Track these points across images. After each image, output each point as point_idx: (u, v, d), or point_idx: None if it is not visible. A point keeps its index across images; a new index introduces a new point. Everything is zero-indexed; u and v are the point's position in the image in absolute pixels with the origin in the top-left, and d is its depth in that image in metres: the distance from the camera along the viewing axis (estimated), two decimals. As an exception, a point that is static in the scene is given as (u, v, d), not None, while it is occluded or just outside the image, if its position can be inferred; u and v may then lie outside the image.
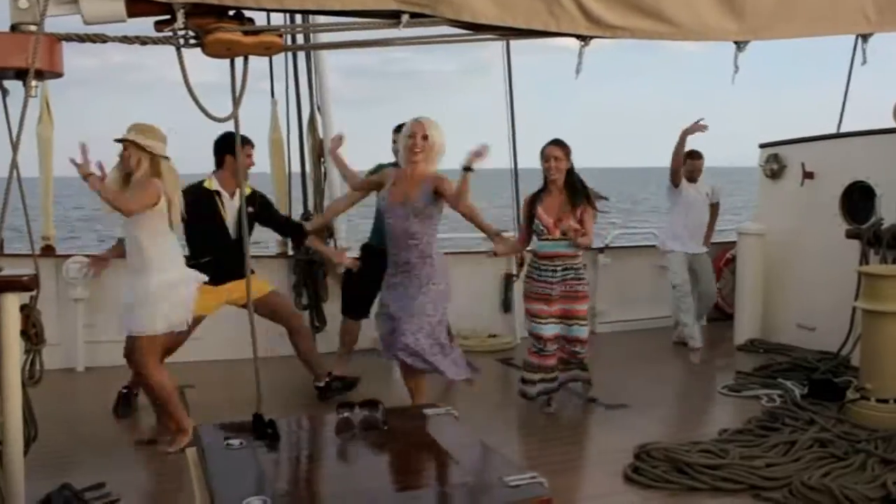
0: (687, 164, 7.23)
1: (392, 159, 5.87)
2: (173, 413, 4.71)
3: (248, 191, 5.31)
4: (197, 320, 5.00)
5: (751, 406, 5.55)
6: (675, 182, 7.29)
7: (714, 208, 7.56)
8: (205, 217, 5.23)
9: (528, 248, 5.75)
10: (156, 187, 4.49)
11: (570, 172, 5.37)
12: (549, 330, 5.40)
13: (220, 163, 5.39)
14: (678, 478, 4.17)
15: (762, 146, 7.86)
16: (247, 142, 5.42)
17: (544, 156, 5.39)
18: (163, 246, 4.62)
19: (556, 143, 5.43)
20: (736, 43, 4.03)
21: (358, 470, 2.42)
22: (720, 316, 8.40)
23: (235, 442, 2.55)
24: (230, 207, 5.36)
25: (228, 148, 5.22)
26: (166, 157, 4.60)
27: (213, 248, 5.27)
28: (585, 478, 4.30)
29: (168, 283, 4.60)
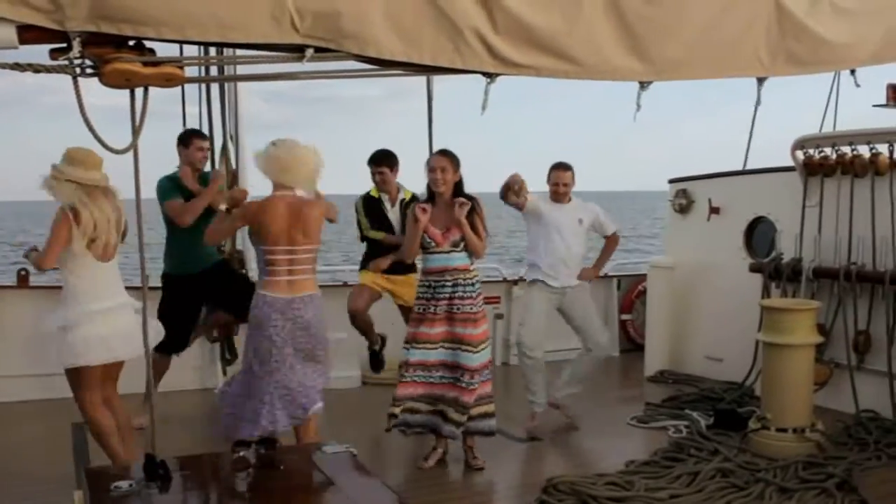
0: (551, 177, 5.97)
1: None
2: (111, 454, 4.43)
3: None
4: None
5: (658, 437, 5.65)
6: (507, 201, 5.89)
7: (611, 241, 6.24)
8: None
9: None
10: (63, 228, 4.28)
11: (459, 185, 5.16)
12: (433, 356, 5.01)
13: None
14: (584, 511, 4.20)
15: (671, 181, 8.08)
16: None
17: (430, 166, 5.17)
18: (91, 279, 4.38)
19: (443, 153, 5.22)
20: (640, 83, 4.15)
21: (249, 511, 2.37)
22: (632, 347, 8.56)
23: (124, 485, 2.47)
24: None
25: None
26: (94, 185, 4.34)
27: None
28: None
29: (100, 311, 4.35)
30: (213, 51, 5.33)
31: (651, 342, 7.72)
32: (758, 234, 7.18)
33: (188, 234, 5.58)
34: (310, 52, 3.32)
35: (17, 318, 6.21)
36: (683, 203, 7.83)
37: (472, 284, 5.11)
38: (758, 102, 5.25)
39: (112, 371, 4.51)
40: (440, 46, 3.58)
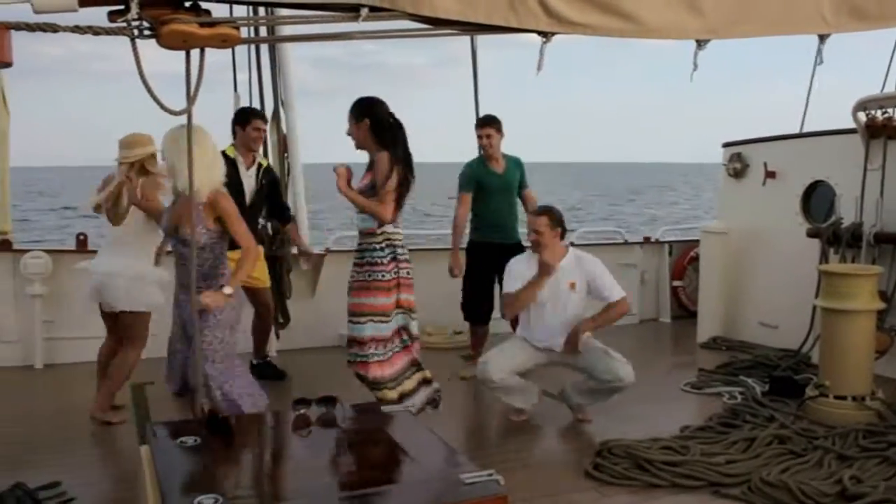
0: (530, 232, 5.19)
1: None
2: (115, 391, 4.96)
3: (264, 163, 5.89)
4: None
5: (713, 403, 5.59)
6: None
7: (616, 307, 5.23)
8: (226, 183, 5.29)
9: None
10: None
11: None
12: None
13: (233, 134, 5.78)
14: (639, 474, 4.19)
15: (725, 145, 7.93)
16: (257, 115, 5.85)
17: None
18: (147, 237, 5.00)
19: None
20: (696, 41, 4.05)
21: (313, 467, 2.39)
22: (683, 314, 8.47)
23: (189, 440, 2.51)
24: (246, 176, 5.67)
25: (238, 120, 5.75)
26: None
27: None
28: (546, 475, 4.30)
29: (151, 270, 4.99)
30: (262, 12, 5.36)
31: (704, 308, 7.63)
32: (816, 198, 7.01)
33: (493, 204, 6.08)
34: (364, 11, 3.29)
35: (77, 281, 6.35)
36: (738, 167, 7.68)
37: (362, 252, 4.74)
38: (818, 61, 5.11)
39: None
40: (495, 4, 3.53)
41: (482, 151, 6.27)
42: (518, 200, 6.41)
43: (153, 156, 4.90)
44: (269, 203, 5.99)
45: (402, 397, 4.69)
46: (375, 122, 4.69)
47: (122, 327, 5.03)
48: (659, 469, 4.19)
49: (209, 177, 4.03)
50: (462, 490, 2.18)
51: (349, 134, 4.80)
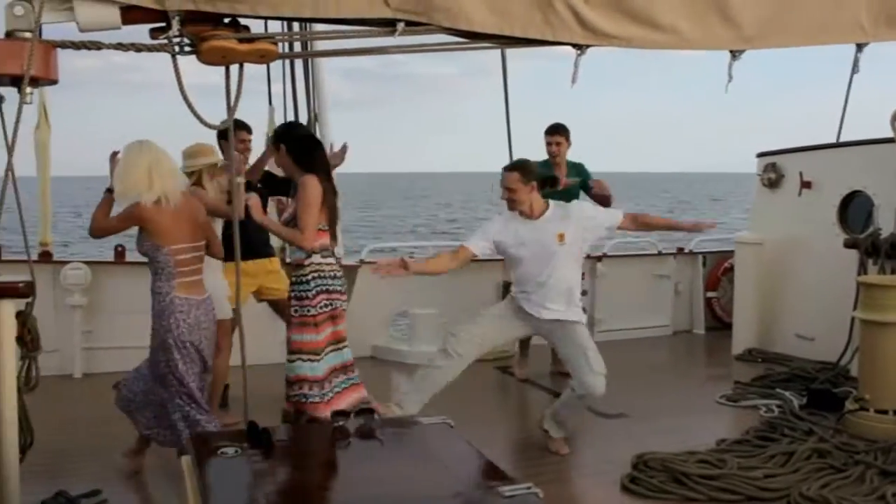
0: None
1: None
2: (217, 398, 5.24)
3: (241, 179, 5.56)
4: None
5: (749, 416, 5.53)
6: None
7: (633, 217, 5.04)
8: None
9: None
10: None
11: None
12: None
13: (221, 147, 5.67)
14: (675, 488, 4.16)
15: (760, 155, 7.86)
16: (242, 127, 5.66)
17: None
18: None
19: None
20: (731, 52, 4.04)
21: (352, 479, 2.40)
22: (717, 325, 8.40)
23: (230, 450, 2.53)
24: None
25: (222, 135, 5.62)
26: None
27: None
28: (582, 488, 4.29)
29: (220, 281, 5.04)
30: (296, 27, 5.43)
31: (739, 320, 7.55)
32: (853, 208, 6.92)
33: None
34: (401, 25, 3.34)
35: (115, 292, 6.46)
36: (773, 177, 7.61)
37: (295, 283, 4.54)
38: (855, 70, 5.07)
39: None
40: (530, 18, 3.56)
41: (549, 159, 6.30)
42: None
43: (215, 165, 5.09)
44: (281, 191, 5.85)
45: None
46: (292, 146, 4.53)
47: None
48: (696, 483, 4.15)
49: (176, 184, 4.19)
50: (501, 503, 2.18)
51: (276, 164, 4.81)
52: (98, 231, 4.27)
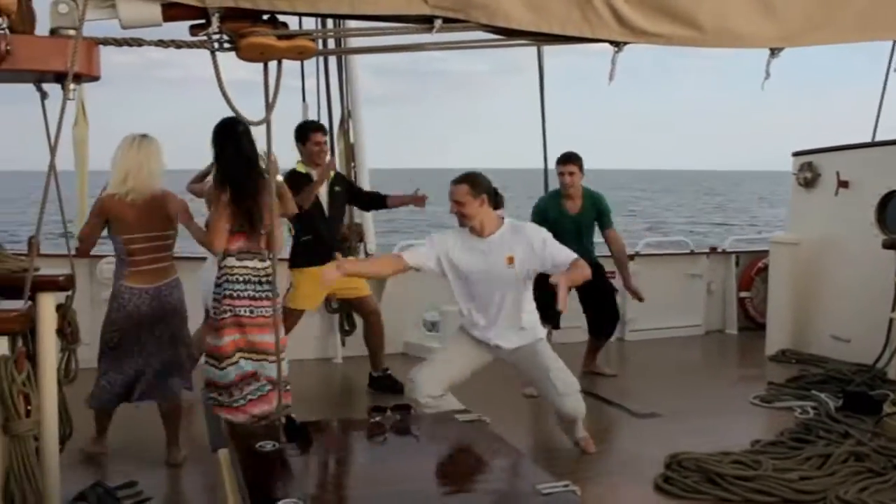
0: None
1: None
2: None
3: (331, 175, 5.93)
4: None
5: (783, 417, 5.46)
6: None
7: (577, 264, 4.37)
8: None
9: None
10: None
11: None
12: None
13: (300, 151, 5.84)
14: (710, 488, 4.12)
15: (796, 154, 7.76)
16: (315, 128, 5.87)
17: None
18: None
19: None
20: (770, 49, 3.98)
21: (390, 474, 2.41)
22: (750, 325, 8.32)
23: (268, 444, 2.55)
24: (322, 189, 5.75)
25: (298, 136, 5.82)
26: None
27: (313, 226, 5.69)
28: (615, 487, 4.26)
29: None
30: (329, 23, 5.45)
31: (773, 320, 7.47)
32: (892, 208, 6.81)
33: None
34: (438, 22, 3.32)
35: None
36: (809, 177, 7.50)
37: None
38: (892, 67, 4.98)
39: None
40: (568, 15, 3.53)
41: (562, 189, 6.18)
42: (593, 241, 6.32)
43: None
44: (358, 203, 6.17)
45: None
46: (215, 145, 4.40)
47: None
48: (730, 484, 4.11)
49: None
50: (538, 501, 2.18)
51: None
52: (83, 244, 4.54)
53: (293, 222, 5.69)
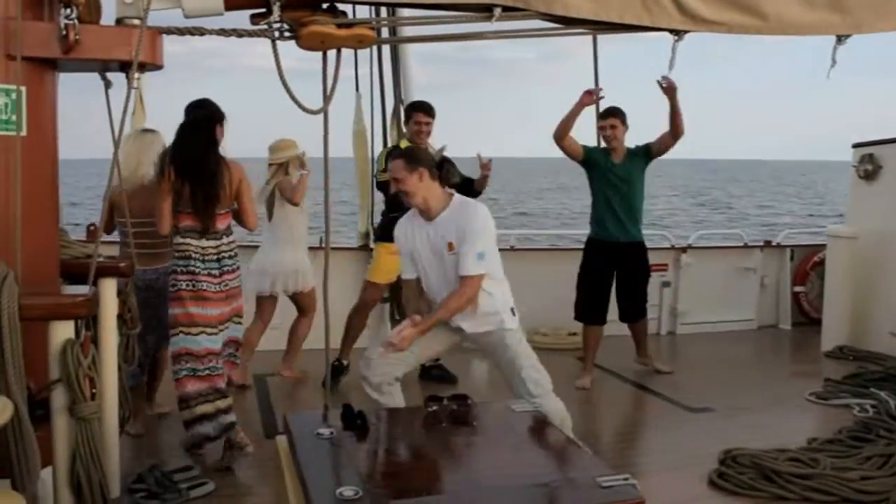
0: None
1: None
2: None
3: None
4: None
5: (841, 415, 5.34)
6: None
7: (449, 299, 4.10)
8: None
9: None
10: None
11: None
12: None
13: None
14: (765, 485, 4.05)
15: (856, 146, 7.57)
16: (417, 108, 5.89)
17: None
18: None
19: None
20: (837, 37, 3.89)
21: (446, 463, 2.41)
22: (805, 321, 8.16)
23: (325, 431, 2.57)
24: None
25: (405, 116, 5.95)
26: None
27: (400, 203, 5.52)
28: (668, 482, 4.21)
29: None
30: (384, 11, 5.44)
31: (829, 316, 7.30)
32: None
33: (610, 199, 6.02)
34: (498, 11, 3.31)
35: None
36: (869, 169, 7.32)
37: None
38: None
39: None
40: (628, 4, 3.49)
41: (606, 143, 6.10)
42: (643, 196, 6.21)
43: (297, 157, 5.66)
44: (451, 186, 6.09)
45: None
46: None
47: (302, 304, 5.93)
48: (787, 481, 4.03)
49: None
50: (599, 493, 2.16)
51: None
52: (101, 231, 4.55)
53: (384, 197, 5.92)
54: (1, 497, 2.14)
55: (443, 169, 5.41)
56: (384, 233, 5.80)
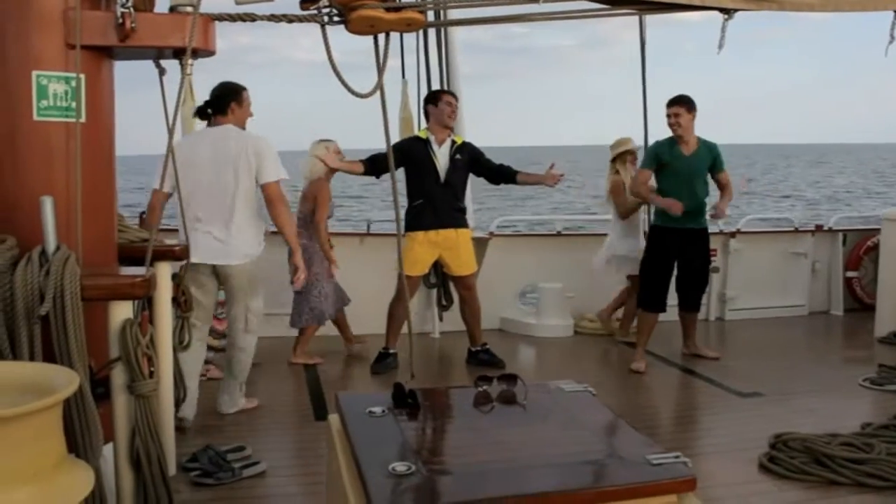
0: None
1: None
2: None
3: (458, 140, 6.03)
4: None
5: (895, 401, 5.26)
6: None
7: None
8: (419, 162, 5.83)
9: None
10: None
11: None
12: None
13: (426, 116, 6.07)
14: (817, 470, 4.01)
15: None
16: (446, 91, 6.21)
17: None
18: None
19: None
20: (895, 11, 3.79)
21: (499, 441, 2.43)
22: (857, 306, 8.01)
23: (377, 410, 2.61)
24: (440, 154, 5.89)
25: (429, 99, 6.05)
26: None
27: (424, 191, 5.85)
28: (719, 465, 4.18)
29: None
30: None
31: (884, 301, 7.16)
32: None
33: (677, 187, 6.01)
34: (544, -9, 3.30)
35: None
36: (926, 151, 7.15)
37: None
38: None
39: None
40: (676, -18, 3.45)
41: (672, 131, 6.03)
42: (707, 186, 6.17)
43: (632, 152, 6.59)
44: (485, 174, 6.11)
45: None
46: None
47: None
48: (840, 466, 3.99)
49: None
50: (649, 470, 2.16)
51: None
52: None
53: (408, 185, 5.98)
54: (73, 467, 2.22)
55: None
56: (410, 222, 5.87)
